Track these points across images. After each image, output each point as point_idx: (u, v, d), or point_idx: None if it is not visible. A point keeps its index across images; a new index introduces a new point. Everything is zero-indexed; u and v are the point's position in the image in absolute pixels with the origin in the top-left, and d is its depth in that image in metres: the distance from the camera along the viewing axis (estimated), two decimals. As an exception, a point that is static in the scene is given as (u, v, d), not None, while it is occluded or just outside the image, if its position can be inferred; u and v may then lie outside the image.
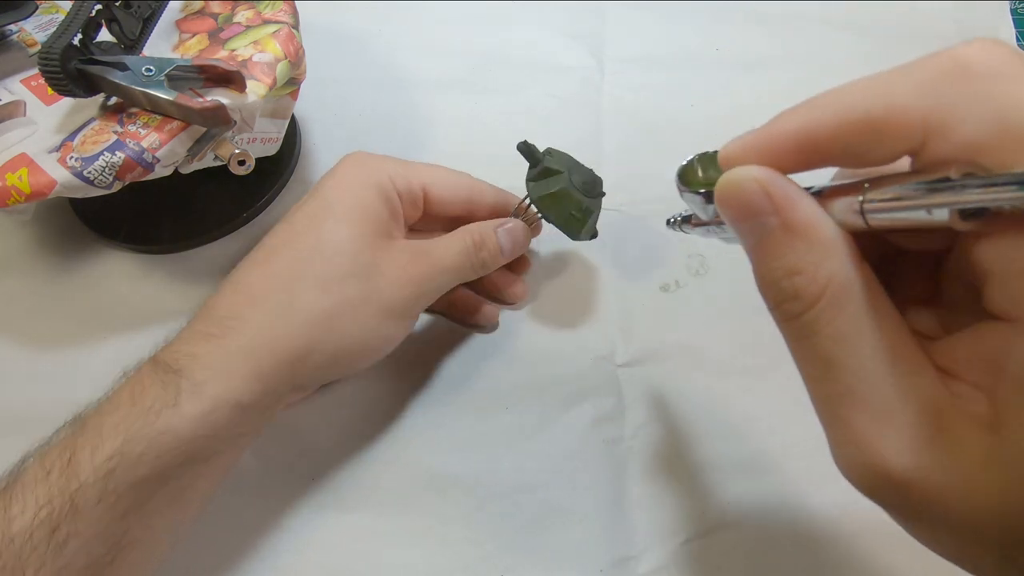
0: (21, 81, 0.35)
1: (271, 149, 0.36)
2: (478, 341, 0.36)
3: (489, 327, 0.36)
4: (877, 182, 0.15)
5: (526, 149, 0.32)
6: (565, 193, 0.32)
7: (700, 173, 0.20)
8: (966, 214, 0.14)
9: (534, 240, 0.35)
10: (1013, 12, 0.47)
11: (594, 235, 0.34)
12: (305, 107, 0.45)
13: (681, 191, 0.20)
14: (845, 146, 0.16)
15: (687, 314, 0.37)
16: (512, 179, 0.36)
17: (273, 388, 0.26)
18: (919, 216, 0.14)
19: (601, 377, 0.35)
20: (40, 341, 0.37)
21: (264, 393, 0.26)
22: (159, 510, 0.25)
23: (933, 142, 0.15)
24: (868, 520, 0.30)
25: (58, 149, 0.31)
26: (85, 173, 0.30)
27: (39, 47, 0.32)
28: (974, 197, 0.13)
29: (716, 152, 0.18)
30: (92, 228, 0.39)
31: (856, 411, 0.15)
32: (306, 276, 0.27)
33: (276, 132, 0.36)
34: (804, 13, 0.48)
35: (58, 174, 0.30)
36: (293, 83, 0.34)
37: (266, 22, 0.35)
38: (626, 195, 0.40)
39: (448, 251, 0.30)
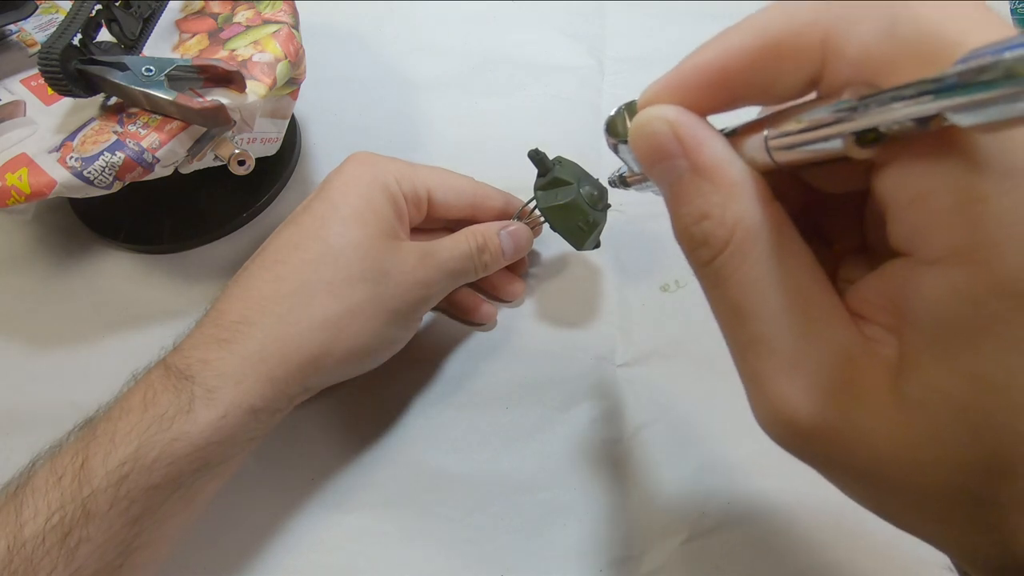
0: (21, 81, 0.35)
1: (271, 149, 0.36)
2: (478, 341, 0.36)
3: (488, 325, 0.36)
4: (782, 115, 0.15)
5: (537, 157, 0.33)
6: (574, 205, 0.32)
7: (628, 122, 0.19)
8: (863, 142, 0.13)
9: (535, 240, 0.36)
10: (1013, 12, 0.47)
11: (597, 245, 0.34)
12: (305, 107, 0.45)
13: (610, 143, 0.20)
14: (754, 77, 0.15)
15: (687, 314, 0.37)
16: (512, 179, 0.36)
17: (285, 392, 0.26)
18: (820, 147, 0.13)
19: (601, 377, 0.35)
20: (40, 341, 0.37)
21: (276, 398, 0.26)
22: (170, 514, 0.25)
23: (832, 64, 0.14)
24: (868, 520, 0.30)
25: (58, 149, 0.31)
26: (85, 173, 0.30)
27: (39, 47, 0.32)
28: (861, 120, 0.12)
29: None
30: (92, 228, 0.39)
31: (764, 360, 0.15)
32: (315, 281, 0.27)
33: (276, 132, 0.36)
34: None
35: (58, 174, 0.30)
36: (293, 83, 0.34)
37: (266, 22, 0.35)
38: (626, 195, 0.40)
39: (452, 253, 0.30)
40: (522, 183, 0.35)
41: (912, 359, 0.13)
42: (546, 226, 0.34)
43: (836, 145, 0.13)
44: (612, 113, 0.19)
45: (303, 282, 0.27)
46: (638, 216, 0.40)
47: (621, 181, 0.24)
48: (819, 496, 0.31)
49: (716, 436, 0.33)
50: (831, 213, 0.18)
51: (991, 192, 0.12)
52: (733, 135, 0.16)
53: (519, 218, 0.34)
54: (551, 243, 0.39)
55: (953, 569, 0.30)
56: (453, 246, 0.31)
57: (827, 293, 0.15)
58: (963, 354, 0.12)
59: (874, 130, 0.12)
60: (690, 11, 0.48)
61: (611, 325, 0.36)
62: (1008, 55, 0.09)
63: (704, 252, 0.15)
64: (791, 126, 0.14)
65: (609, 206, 0.34)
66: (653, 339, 0.36)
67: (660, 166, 0.16)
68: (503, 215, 0.34)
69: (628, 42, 0.47)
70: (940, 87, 0.11)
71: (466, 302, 0.35)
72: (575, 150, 0.43)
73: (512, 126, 0.44)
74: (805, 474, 0.33)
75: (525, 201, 0.34)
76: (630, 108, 0.19)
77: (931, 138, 0.12)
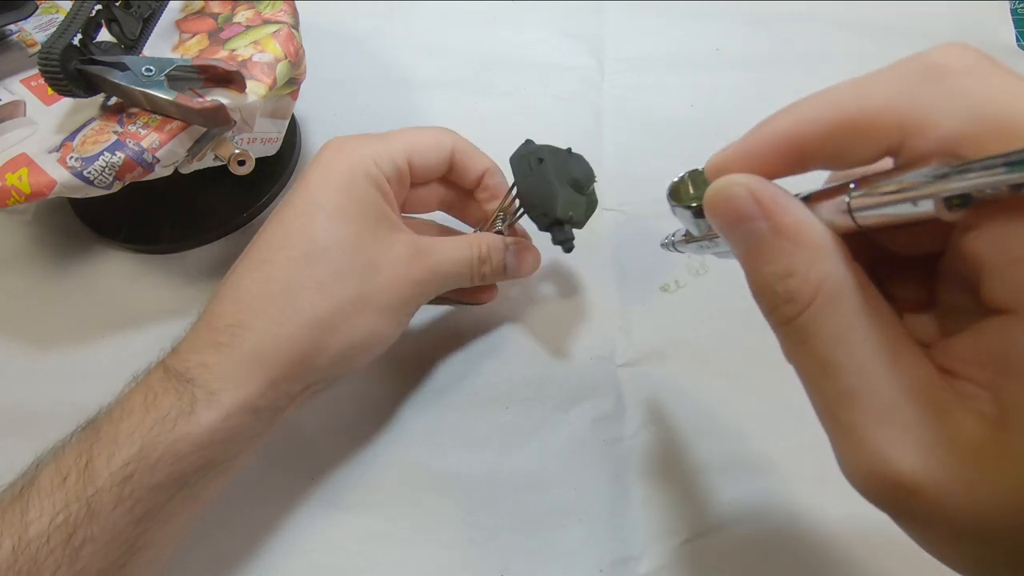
0: (21, 81, 0.35)
1: (271, 149, 0.36)
2: (478, 341, 0.36)
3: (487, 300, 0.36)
4: (863, 181, 0.16)
5: (517, 164, 0.31)
6: (545, 170, 0.29)
7: (691, 189, 0.20)
8: (951, 204, 0.14)
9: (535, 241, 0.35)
10: (1013, 12, 0.47)
11: (567, 239, 0.29)
12: (305, 107, 0.45)
13: (672, 207, 0.21)
14: (827, 149, 0.16)
15: (687, 314, 0.37)
16: (511, 179, 0.36)
17: (284, 390, 0.27)
18: (906, 210, 0.14)
19: (601, 377, 0.35)
20: (40, 341, 0.37)
21: (276, 396, 0.26)
22: (174, 513, 0.25)
23: (912, 140, 0.15)
24: (867, 520, 0.30)
25: (58, 149, 0.31)
26: (85, 173, 0.30)
27: (39, 47, 0.32)
28: (956, 184, 0.13)
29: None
30: (92, 228, 0.39)
31: (858, 412, 0.15)
32: (303, 280, 0.27)
33: (276, 132, 0.36)
34: (803, 13, 0.48)
35: (58, 174, 0.30)
36: (293, 83, 0.34)
37: (266, 22, 0.35)
38: (626, 195, 0.40)
39: (450, 257, 0.30)
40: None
41: (1018, 412, 0.13)
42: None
43: (927, 208, 0.14)
44: (675, 179, 0.20)
45: (291, 281, 0.27)
46: (638, 216, 0.40)
47: (676, 243, 0.25)
48: (818, 496, 0.31)
49: (716, 436, 0.33)
50: (896, 270, 0.19)
51: None
52: (808, 199, 0.17)
53: (502, 209, 0.32)
54: (552, 244, 0.39)
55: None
56: (453, 250, 0.30)
57: (914, 348, 0.15)
58: None
59: (964, 195, 0.13)
60: (690, 11, 0.48)
61: (611, 325, 0.36)
62: None
63: (789, 308, 0.16)
64: (880, 191, 0.15)
65: (593, 198, 0.31)
66: (653, 339, 0.36)
67: (739, 229, 0.17)
68: (487, 179, 0.33)
69: (628, 42, 0.47)
70: None
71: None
72: (575, 150, 0.43)
73: (512, 126, 0.44)
74: (804, 474, 0.33)
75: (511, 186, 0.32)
76: (693, 175, 0.20)
77: (1022, 202, 0.13)
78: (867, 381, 0.15)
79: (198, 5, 0.37)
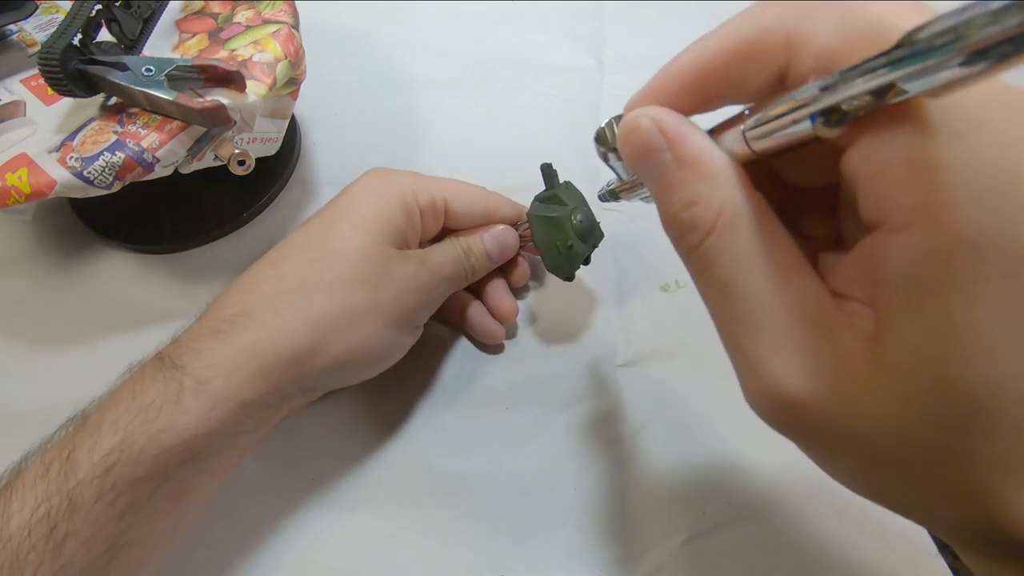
0: (21, 81, 0.35)
1: (271, 149, 0.36)
2: (478, 341, 0.36)
3: (492, 346, 0.36)
4: (756, 107, 0.16)
5: (547, 172, 0.33)
6: (559, 223, 0.32)
7: (616, 131, 0.20)
8: (829, 121, 0.14)
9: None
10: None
11: (569, 278, 0.33)
12: (305, 107, 0.45)
13: (600, 153, 0.21)
14: (728, 78, 0.16)
15: (687, 314, 0.37)
16: (511, 179, 0.36)
17: (277, 387, 0.26)
18: (791, 131, 0.14)
19: (601, 377, 0.35)
20: (40, 341, 0.37)
21: (268, 392, 0.26)
22: (159, 510, 0.25)
23: (796, 59, 0.15)
24: (867, 520, 0.30)
25: (58, 149, 0.31)
26: (85, 173, 0.30)
27: (39, 47, 0.32)
28: (826, 99, 0.13)
29: None
30: (92, 228, 0.39)
31: (751, 336, 0.15)
32: (315, 280, 0.27)
33: (276, 132, 0.36)
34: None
35: (58, 174, 0.30)
36: (293, 83, 0.34)
37: (266, 22, 0.35)
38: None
39: (444, 258, 0.31)
40: (521, 183, 0.35)
41: (886, 323, 0.14)
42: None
43: (806, 127, 0.14)
44: (601, 125, 0.21)
45: (303, 280, 0.27)
46: (638, 216, 0.40)
47: (611, 194, 0.25)
48: (819, 495, 0.31)
49: (716, 436, 0.33)
50: (806, 209, 0.19)
51: (944, 155, 0.13)
52: (713, 131, 0.17)
53: (518, 228, 0.34)
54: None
55: (940, 556, 0.30)
56: (443, 251, 0.31)
57: (807, 271, 0.16)
58: (931, 311, 0.13)
59: (838, 109, 0.13)
60: (690, 11, 0.48)
61: (611, 325, 0.36)
62: (955, 20, 0.11)
63: (693, 236, 0.16)
64: (765, 113, 0.15)
65: (596, 246, 0.34)
66: (653, 339, 0.36)
67: (647, 161, 0.17)
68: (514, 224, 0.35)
69: (628, 42, 0.47)
70: (893, 58, 0.12)
71: (475, 319, 0.35)
72: (575, 150, 0.43)
73: (512, 126, 0.44)
74: (805, 474, 0.33)
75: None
76: (618, 119, 0.20)
77: (888, 114, 0.13)
78: (761, 305, 0.15)
79: (198, 5, 0.37)
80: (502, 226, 0.33)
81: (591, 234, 0.33)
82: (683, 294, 0.37)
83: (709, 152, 0.16)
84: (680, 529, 0.31)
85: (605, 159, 0.21)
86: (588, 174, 0.38)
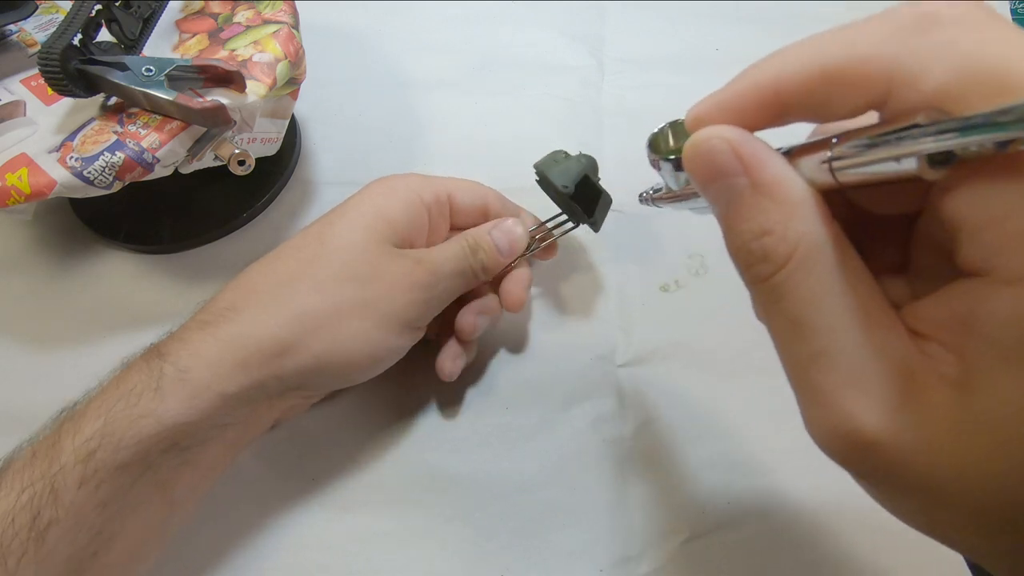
0: (21, 81, 0.35)
1: (271, 149, 0.36)
2: (478, 341, 0.36)
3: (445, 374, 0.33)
4: (846, 136, 0.15)
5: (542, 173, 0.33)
6: (561, 159, 0.33)
7: (671, 141, 0.19)
8: (934, 162, 0.13)
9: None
10: (1013, 12, 0.47)
11: (600, 218, 0.33)
12: (305, 107, 0.45)
13: (651, 160, 0.20)
14: (811, 100, 0.16)
15: (687, 314, 0.37)
16: (511, 179, 0.36)
17: (258, 381, 0.26)
18: (888, 168, 0.14)
19: (601, 377, 0.35)
20: (40, 341, 0.37)
21: (250, 386, 0.26)
22: (143, 502, 0.24)
23: (899, 92, 0.14)
24: (868, 520, 0.30)
25: (58, 149, 0.31)
26: (85, 173, 0.30)
27: (39, 47, 0.32)
28: (940, 142, 0.13)
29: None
30: (92, 228, 0.39)
31: (826, 373, 0.15)
32: (304, 275, 0.28)
33: (276, 132, 0.36)
34: (804, 13, 0.48)
35: (58, 174, 0.30)
36: (293, 83, 0.34)
37: (266, 22, 0.35)
38: (626, 195, 0.40)
39: (445, 254, 0.30)
40: (521, 183, 0.35)
41: (981, 375, 0.13)
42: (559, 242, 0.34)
43: (909, 166, 0.13)
44: (655, 130, 0.20)
45: (292, 276, 0.28)
46: (638, 216, 0.40)
47: (654, 197, 0.24)
48: (819, 496, 0.31)
49: (716, 436, 0.33)
50: (872, 231, 0.18)
51: None
52: (789, 154, 0.16)
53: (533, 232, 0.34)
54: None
55: (940, 557, 0.30)
56: (445, 247, 0.31)
57: (886, 309, 0.15)
58: None
59: (948, 152, 0.13)
60: (690, 11, 0.48)
61: (611, 325, 0.36)
62: None
63: (764, 268, 0.16)
64: (860, 147, 0.14)
65: (601, 188, 0.34)
66: (653, 339, 0.36)
67: (718, 184, 0.16)
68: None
69: (628, 42, 0.47)
70: (1018, 114, 0.11)
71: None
72: (575, 150, 0.43)
73: (512, 126, 0.44)
74: (805, 474, 0.33)
75: (539, 216, 0.35)
76: (674, 126, 0.19)
77: (1007, 161, 0.13)
78: (837, 343, 0.15)
79: (198, 5, 0.37)
80: (510, 219, 0.33)
81: (596, 169, 0.33)
82: (683, 294, 0.37)
83: (788, 180, 0.15)
84: (680, 529, 0.31)
85: (656, 166, 0.20)
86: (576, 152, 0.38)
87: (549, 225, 0.35)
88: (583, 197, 0.32)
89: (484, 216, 0.34)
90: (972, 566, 0.29)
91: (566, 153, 0.33)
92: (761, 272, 0.16)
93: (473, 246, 0.31)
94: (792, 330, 0.15)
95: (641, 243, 0.39)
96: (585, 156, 0.33)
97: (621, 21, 0.48)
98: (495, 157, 0.42)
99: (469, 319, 0.32)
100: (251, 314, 0.26)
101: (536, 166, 0.33)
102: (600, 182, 0.33)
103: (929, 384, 0.14)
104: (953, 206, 0.14)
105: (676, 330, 0.36)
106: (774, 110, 0.16)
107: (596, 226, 0.33)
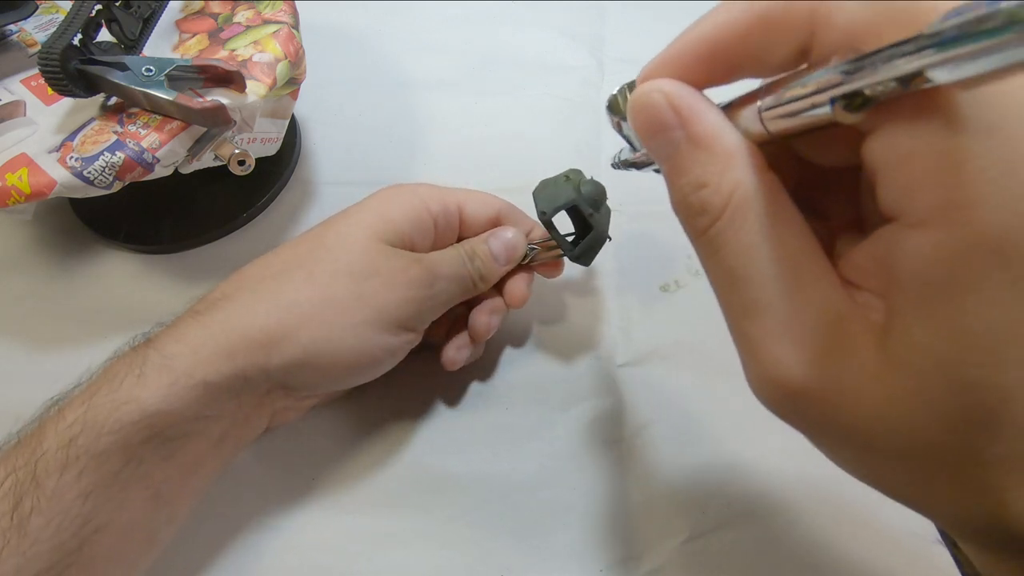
0: (21, 81, 0.35)
1: (271, 149, 0.36)
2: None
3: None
4: (774, 86, 0.15)
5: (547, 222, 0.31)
6: (561, 181, 0.31)
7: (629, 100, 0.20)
8: (851, 107, 0.13)
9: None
10: (1013, 12, 0.47)
11: (586, 254, 0.31)
12: (305, 107, 0.45)
13: (612, 122, 0.20)
14: (748, 50, 0.16)
15: (687, 314, 0.37)
16: (511, 179, 0.36)
17: (243, 371, 0.25)
18: (809, 115, 0.14)
19: (601, 377, 0.35)
20: (40, 341, 0.37)
21: (233, 376, 0.25)
22: (127, 495, 0.24)
23: (820, 34, 0.14)
24: (868, 520, 0.30)
25: (58, 149, 0.31)
26: (85, 173, 0.30)
27: (39, 47, 0.32)
28: (848, 83, 0.12)
29: None
30: (92, 228, 0.39)
31: (758, 324, 0.15)
32: (299, 268, 0.28)
33: (276, 132, 0.36)
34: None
35: (58, 174, 0.30)
36: (293, 83, 0.34)
37: (266, 22, 0.35)
38: (626, 195, 0.40)
39: (443, 258, 0.30)
40: (521, 183, 0.35)
41: (898, 319, 0.13)
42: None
43: (825, 111, 0.13)
44: (614, 92, 0.19)
45: (287, 268, 0.28)
46: (638, 216, 0.40)
47: (623, 163, 0.24)
48: (819, 495, 0.31)
49: (716, 436, 0.33)
50: (827, 189, 0.18)
51: (971, 151, 0.12)
52: (729, 107, 0.16)
53: (533, 244, 0.33)
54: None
55: (942, 542, 0.30)
56: (443, 252, 0.31)
57: (819, 259, 0.15)
58: (946, 311, 0.13)
59: (861, 94, 0.13)
60: (690, 11, 0.48)
61: (611, 325, 0.36)
62: (1006, 4, 0.10)
63: (702, 220, 0.16)
64: (782, 94, 0.14)
65: (607, 207, 0.32)
66: (653, 339, 0.36)
67: (658, 138, 0.16)
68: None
69: (628, 42, 0.47)
70: (923, 44, 0.11)
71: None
72: (575, 150, 0.43)
73: (512, 126, 0.44)
74: (805, 474, 0.33)
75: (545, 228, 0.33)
76: (631, 86, 0.19)
77: (915, 101, 0.13)
78: (768, 292, 0.15)
79: (198, 5, 0.37)
80: (509, 229, 0.32)
81: (601, 200, 0.32)
82: (683, 294, 0.37)
83: (723, 131, 0.16)
84: (680, 529, 0.31)
85: (618, 129, 0.20)
86: (588, 175, 0.38)
87: (550, 243, 0.33)
88: (577, 225, 0.32)
89: (495, 228, 0.33)
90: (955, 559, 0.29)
91: (567, 176, 0.31)
92: (699, 224, 0.16)
93: (470, 253, 0.31)
94: (727, 281, 0.16)
95: (641, 243, 0.39)
96: (590, 183, 0.31)
97: (621, 21, 0.48)
98: (495, 157, 0.42)
99: (483, 319, 0.32)
100: (241, 303, 0.26)
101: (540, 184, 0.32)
102: (601, 211, 0.31)
103: (856, 332, 0.14)
104: (869, 150, 0.14)
105: (676, 330, 0.36)
106: (717, 64, 0.16)
107: (580, 261, 0.32)
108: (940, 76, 0.11)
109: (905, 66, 0.11)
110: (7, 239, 0.40)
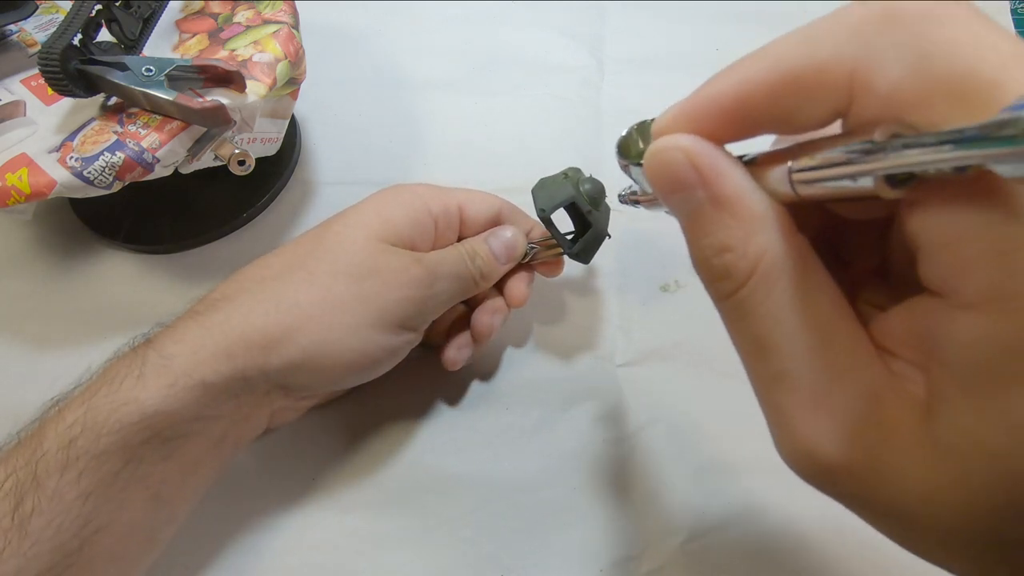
0: (21, 81, 0.35)
1: (271, 149, 0.36)
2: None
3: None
4: (807, 147, 0.14)
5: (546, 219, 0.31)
6: (560, 179, 0.31)
7: (640, 144, 0.18)
8: (893, 181, 0.12)
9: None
10: (1013, 12, 0.47)
11: (585, 252, 0.31)
12: (305, 107, 0.45)
13: (621, 165, 0.19)
14: (775, 109, 0.14)
15: (687, 314, 0.37)
16: (511, 180, 0.36)
17: (242, 372, 0.25)
18: (845, 185, 0.13)
19: (601, 377, 0.35)
20: (40, 341, 0.37)
21: (232, 375, 0.25)
22: (127, 496, 0.24)
23: (861, 98, 0.13)
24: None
25: (58, 149, 0.31)
26: (85, 173, 0.30)
27: (39, 47, 0.32)
28: (895, 162, 0.12)
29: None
30: (92, 228, 0.39)
31: (787, 394, 0.14)
32: (299, 268, 0.28)
33: (276, 132, 0.36)
34: (804, 13, 0.47)
35: (58, 174, 0.30)
36: (293, 83, 0.34)
37: (266, 22, 0.35)
38: (626, 195, 0.40)
39: (444, 257, 0.30)
40: (521, 183, 0.35)
41: (943, 401, 0.13)
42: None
43: (866, 184, 0.13)
44: (623, 133, 0.19)
45: (287, 269, 0.28)
46: (638, 216, 0.40)
47: (632, 200, 0.23)
48: (818, 496, 0.31)
49: (716, 436, 0.33)
50: (849, 236, 0.18)
51: None
52: (753, 164, 0.15)
53: (533, 244, 0.33)
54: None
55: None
56: (443, 251, 0.31)
57: (852, 327, 0.15)
58: (995, 401, 0.12)
59: (907, 172, 0.12)
60: (690, 11, 0.48)
61: (611, 325, 0.36)
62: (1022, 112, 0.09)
63: (726, 285, 0.15)
64: (817, 159, 0.13)
65: (607, 205, 0.33)
66: (653, 339, 0.36)
67: (677, 196, 0.15)
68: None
69: (628, 42, 0.47)
70: (974, 136, 0.10)
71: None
72: (575, 150, 0.43)
73: (512, 126, 0.44)
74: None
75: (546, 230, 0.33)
76: (641, 128, 0.18)
77: (968, 182, 0.12)
78: (799, 364, 0.14)
79: (198, 5, 0.37)
80: (508, 228, 0.32)
81: (600, 198, 0.32)
82: (683, 294, 0.37)
83: (747, 193, 0.15)
84: (680, 529, 0.31)
85: (626, 170, 0.19)
86: (587, 174, 0.38)
87: (550, 242, 0.33)
88: (577, 224, 0.32)
89: (497, 223, 0.33)
90: None
91: (566, 174, 0.31)
92: (724, 289, 0.15)
93: (470, 253, 0.31)
94: (755, 349, 0.15)
95: (641, 242, 0.39)
96: (589, 181, 0.31)
97: (621, 21, 0.48)
98: (495, 157, 0.42)
99: (485, 319, 0.32)
100: (241, 303, 0.26)
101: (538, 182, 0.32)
102: (600, 209, 0.32)
103: (896, 407, 0.14)
104: (914, 223, 0.13)
105: (676, 330, 0.36)
106: (738, 123, 0.15)
107: (579, 258, 0.32)
108: (1005, 171, 0.10)
109: (967, 156, 0.10)
110: (7, 239, 0.40)
